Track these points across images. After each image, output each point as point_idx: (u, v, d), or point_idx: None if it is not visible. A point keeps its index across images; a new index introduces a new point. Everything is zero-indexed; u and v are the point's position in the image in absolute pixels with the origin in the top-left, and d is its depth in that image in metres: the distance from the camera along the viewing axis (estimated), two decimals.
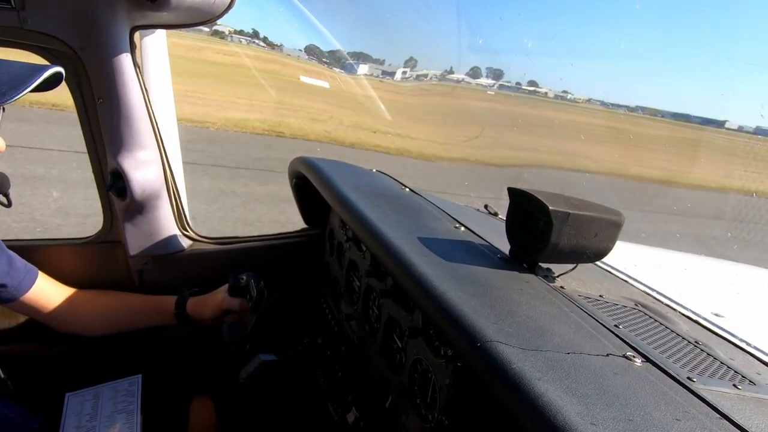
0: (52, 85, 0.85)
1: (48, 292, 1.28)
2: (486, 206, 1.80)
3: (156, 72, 1.79)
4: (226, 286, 1.36)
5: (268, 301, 1.32)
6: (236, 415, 1.32)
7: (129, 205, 1.36)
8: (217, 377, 1.43)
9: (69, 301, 1.31)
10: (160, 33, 1.82)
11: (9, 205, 1.02)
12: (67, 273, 1.38)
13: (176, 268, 1.51)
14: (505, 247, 1.13)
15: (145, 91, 1.32)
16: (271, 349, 1.32)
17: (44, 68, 0.82)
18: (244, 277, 1.33)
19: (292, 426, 1.34)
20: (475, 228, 1.28)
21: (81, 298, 1.34)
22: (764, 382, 0.88)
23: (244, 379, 1.25)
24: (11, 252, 1.22)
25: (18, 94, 0.77)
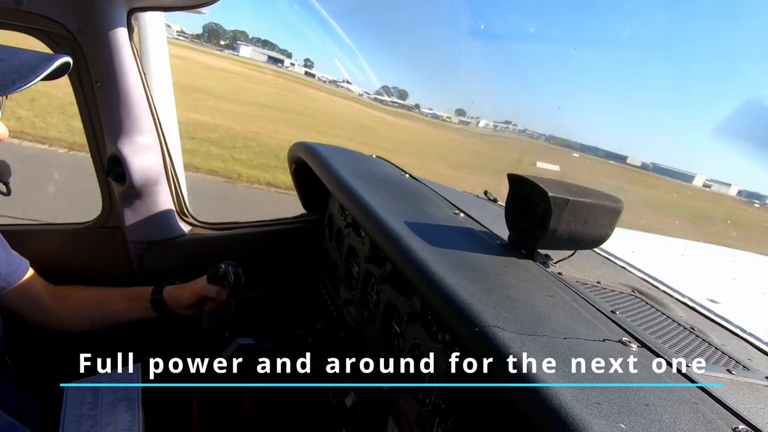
0: (58, 74, 0.84)
1: (35, 286, 1.25)
2: (486, 192, 1.80)
3: (155, 56, 1.78)
4: (206, 276, 1.34)
5: (271, 288, 1.31)
6: (218, 402, 1.30)
7: (128, 191, 1.36)
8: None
9: (51, 295, 1.28)
10: (159, 16, 1.80)
11: (8, 193, 1.01)
12: (66, 258, 1.38)
13: (175, 253, 1.51)
14: (504, 233, 1.14)
15: (143, 75, 1.31)
16: (270, 334, 1.32)
17: (54, 57, 0.81)
18: (223, 266, 1.31)
19: (291, 410, 1.36)
20: (475, 214, 1.28)
21: (62, 293, 1.30)
22: (756, 367, 0.89)
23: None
24: (3, 239, 1.20)
25: (27, 83, 0.76)
